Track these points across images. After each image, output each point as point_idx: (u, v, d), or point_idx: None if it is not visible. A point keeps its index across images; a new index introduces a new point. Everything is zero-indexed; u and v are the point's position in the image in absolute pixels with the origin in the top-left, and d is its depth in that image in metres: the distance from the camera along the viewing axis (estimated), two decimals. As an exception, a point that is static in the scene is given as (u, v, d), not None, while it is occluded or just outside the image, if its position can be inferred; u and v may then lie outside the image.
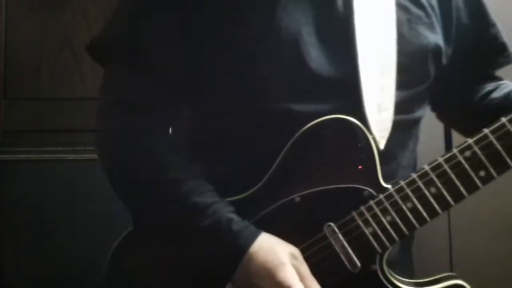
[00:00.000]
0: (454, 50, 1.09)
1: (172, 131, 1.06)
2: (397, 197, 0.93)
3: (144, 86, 1.01)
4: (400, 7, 1.02)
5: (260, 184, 0.97)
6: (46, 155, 1.61)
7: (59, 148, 1.61)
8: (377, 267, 0.94)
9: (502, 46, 1.14)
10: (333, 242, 0.94)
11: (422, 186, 0.93)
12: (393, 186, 0.94)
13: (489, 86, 1.14)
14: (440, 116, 1.23)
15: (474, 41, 1.11)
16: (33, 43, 1.83)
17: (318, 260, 0.94)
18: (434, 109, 1.18)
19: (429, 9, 1.05)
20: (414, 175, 0.93)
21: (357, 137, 0.95)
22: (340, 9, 0.99)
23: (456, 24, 1.09)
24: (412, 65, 1.02)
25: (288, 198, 0.96)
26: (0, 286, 1.56)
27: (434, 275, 1.00)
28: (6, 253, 1.56)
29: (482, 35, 1.13)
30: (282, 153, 0.96)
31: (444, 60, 1.07)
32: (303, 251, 0.94)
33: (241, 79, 0.99)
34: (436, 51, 1.04)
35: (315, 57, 0.98)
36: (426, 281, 0.99)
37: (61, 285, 1.56)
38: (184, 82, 1.02)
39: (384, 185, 0.95)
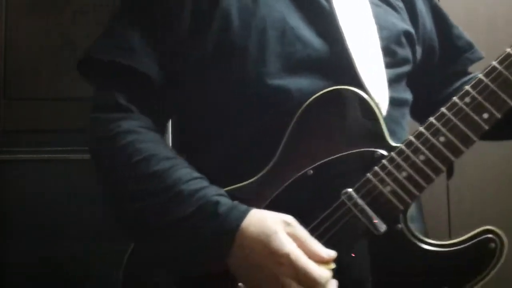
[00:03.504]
0: (422, 52, 1.17)
1: (157, 128, 1.05)
2: (408, 152, 0.94)
3: (131, 94, 1.03)
4: (372, 3, 1.11)
5: (270, 164, 0.97)
6: (46, 155, 1.61)
7: (59, 148, 1.61)
8: (402, 225, 0.94)
9: (469, 44, 1.23)
10: (352, 207, 0.94)
11: (430, 137, 0.94)
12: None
13: (463, 80, 1.20)
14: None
15: (441, 43, 1.21)
16: (33, 43, 1.83)
17: (340, 228, 0.94)
18: (413, 115, 1.20)
19: (398, 8, 1.15)
20: (420, 128, 0.95)
21: (360, 105, 0.98)
22: (322, 3, 1.05)
23: (422, 28, 1.17)
24: (392, 48, 1.09)
25: (301, 173, 0.96)
26: (0, 286, 1.56)
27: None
28: (6, 253, 1.56)
29: (448, 36, 1.22)
30: (288, 130, 0.98)
31: (418, 49, 1.15)
32: (323, 222, 0.94)
33: (235, 59, 1.01)
34: (408, 36, 1.13)
35: (305, 36, 1.03)
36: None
37: (61, 285, 1.56)
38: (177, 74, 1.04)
39: (393, 144, 0.96)
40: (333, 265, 0.90)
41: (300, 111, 0.98)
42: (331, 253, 0.90)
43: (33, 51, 1.83)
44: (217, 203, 0.92)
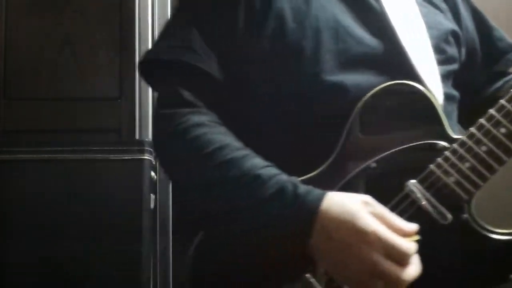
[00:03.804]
0: (465, 53, 1.20)
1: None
2: (470, 143, 0.96)
3: (196, 92, 1.07)
4: (419, 4, 1.14)
5: (330, 159, 1.00)
6: (46, 155, 1.61)
7: (59, 148, 1.61)
8: (467, 215, 0.95)
9: (510, 46, 1.26)
10: (416, 198, 0.95)
11: (491, 128, 0.96)
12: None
13: (505, 80, 1.24)
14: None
15: (482, 45, 1.24)
16: (33, 43, 1.83)
17: (406, 219, 0.94)
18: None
19: (442, 9, 1.19)
20: (481, 120, 0.96)
21: (420, 98, 1.00)
22: (372, 3, 1.09)
23: (465, 29, 1.21)
24: (442, 46, 1.12)
25: (363, 166, 0.98)
26: (0, 286, 1.56)
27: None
28: (6, 253, 1.56)
29: (489, 38, 1.25)
30: (348, 123, 1.00)
31: (462, 49, 1.18)
32: None
33: (291, 58, 1.05)
34: (455, 35, 1.16)
35: (358, 35, 1.06)
36: None
37: (61, 285, 1.56)
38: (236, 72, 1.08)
39: (454, 136, 0.98)
40: (416, 237, 0.92)
41: (360, 104, 1.00)
42: (413, 226, 0.92)
43: (33, 51, 1.83)
44: (295, 185, 0.95)
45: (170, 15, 1.18)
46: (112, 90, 1.82)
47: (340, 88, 1.03)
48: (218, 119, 1.07)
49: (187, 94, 1.06)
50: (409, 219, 0.95)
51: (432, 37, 1.11)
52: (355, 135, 1.00)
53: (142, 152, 1.61)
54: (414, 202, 0.95)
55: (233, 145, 1.01)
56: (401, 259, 0.90)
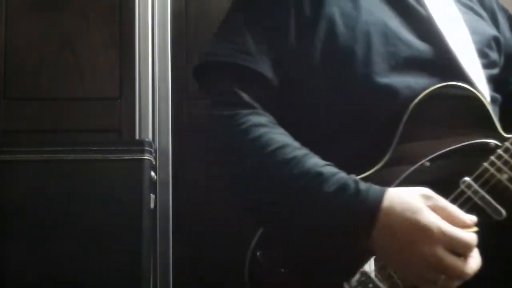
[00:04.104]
0: (504, 59, 1.24)
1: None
2: None
3: (253, 95, 1.10)
4: (461, 11, 1.18)
5: (385, 158, 1.02)
6: (46, 155, 1.61)
7: (59, 148, 1.61)
8: None
9: None
10: (472, 195, 0.98)
11: None
12: None
13: None
14: None
15: None
16: (33, 43, 1.83)
17: None
18: None
19: (483, 16, 1.23)
20: None
21: (471, 99, 1.03)
22: (418, 9, 1.12)
23: (503, 36, 1.25)
24: (485, 51, 1.17)
25: (417, 165, 1.01)
26: (0, 286, 1.56)
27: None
28: (6, 253, 1.56)
29: None
30: (401, 123, 1.02)
31: (502, 55, 1.22)
32: None
33: (343, 62, 1.08)
34: (497, 41, 1.20)
35: (407, 38, 1.09)
36: None
37: (60, 285, 1.56)
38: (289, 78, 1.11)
39: (506, 135, 1.01)
40: (475, 228, 0.95)
41: (413, 105, 1.03)
42: (473, 218, 0.95)
43: (33, 51, 1.83)
44: (356, 182, 0.98)
45: (225, 14, 1.22)
46: (112, 90, 1.82)
47: (391, 90, 1.05)
48: (275, 120, 1.10)
49: (245, 96, 1.10)
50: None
51: (475, 42, 1.14)
52: (409, 135, 1.02)
53: (142, 152, 1.61)
54: (470, 199, 0.98)
55: (293, 144, 1.05)
56: (465, 251, 0.92)
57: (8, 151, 1.62)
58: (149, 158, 1.62)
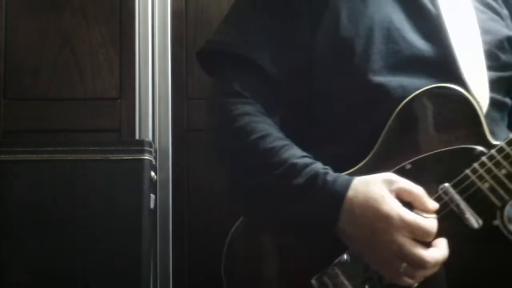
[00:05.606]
0: None
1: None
2: (509, 150, 0.95)
3: (252, 85, 1.12)
4: (477, 9, 1.16)
5: (368, 157, 1.02)
6: (46, 155, 1.61)
7: (59, 148, 1.61)
8: (498, 222, 0.95)
9: None
10: (449, 201, 0.96)
11: None
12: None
13: None
14: None
15: None
16: (33, 43, 1.83)
17: (437, 221, 0.95)
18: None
19: (503, 15, 1.19)
20: None
21: (461, 102, 1.01)
22: (428, 7, 1.11)
23: None
24: (495, 52, 1.13)
25: (399, 166, 1.00)
26: (0, 286, 1.56)
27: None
28: (6, 253, 1.56)
29: None
30: (388, 124, 1.02)
31: None
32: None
33: (342, 54, 1.08)
34: (510, 41, 1.16)
35: (409, 37, 1.08)
36: None
37: (61, 285, 1.56)
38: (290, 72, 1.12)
39: (494, 142, 0.98)
40: (434, 215, 0.95)
41: (400, 106, 1.02)
42: (436, 205, 0.96)
43: (33, 51, 1.82)
44: (325, 173, 0.99)
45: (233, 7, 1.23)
46: (112, 90, 1.82)
47: (383, 89, 1.05)
48: (263, 110, 1.11)
49: (237, 85, 1.11)
50: (440, 221, 0.95)
51: (485, 43, 1.11)
52: (394, 136, 1.02)
53: (142, 152, 1.61)
54: (446, 205, 0.96)
55: (274, 134, 1.06)
56: (424, 238, 0.92)
57: (8, 151, 1.61)
58: (149, 158, 1.62)
